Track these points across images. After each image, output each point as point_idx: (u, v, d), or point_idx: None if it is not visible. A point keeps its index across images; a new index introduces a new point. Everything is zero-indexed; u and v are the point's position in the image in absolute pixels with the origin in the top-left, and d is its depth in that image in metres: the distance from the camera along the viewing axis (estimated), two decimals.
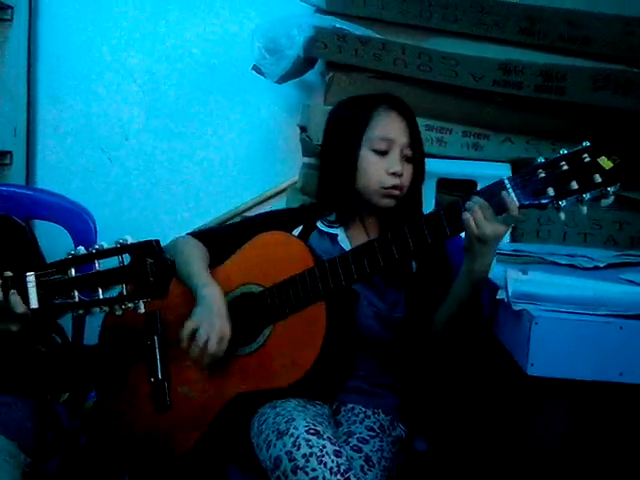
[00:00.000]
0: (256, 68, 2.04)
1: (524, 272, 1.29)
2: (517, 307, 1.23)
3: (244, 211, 2.32)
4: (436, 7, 1.99)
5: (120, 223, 2.27)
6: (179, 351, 1.39)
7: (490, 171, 1.86)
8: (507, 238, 1.85)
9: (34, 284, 1.12)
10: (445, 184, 1.96)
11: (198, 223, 2.31)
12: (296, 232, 1.55)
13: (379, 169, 1.46)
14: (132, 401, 1.49)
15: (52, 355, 1.40)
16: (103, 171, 2.40)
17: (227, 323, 1.36)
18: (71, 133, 2.40)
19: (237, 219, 2.28)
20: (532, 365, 1.16)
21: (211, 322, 1.35)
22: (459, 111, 1.98)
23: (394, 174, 1.45)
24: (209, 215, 2.34)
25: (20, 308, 1.13)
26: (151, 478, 1.51)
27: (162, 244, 2.31)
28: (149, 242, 1.08)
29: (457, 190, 1.96)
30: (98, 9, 2.35)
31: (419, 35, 2.01)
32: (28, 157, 2.36)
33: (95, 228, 1.70)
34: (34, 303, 1.12)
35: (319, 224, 1.55)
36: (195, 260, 1.48)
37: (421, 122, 1.57)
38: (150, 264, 1.07)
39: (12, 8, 2.29)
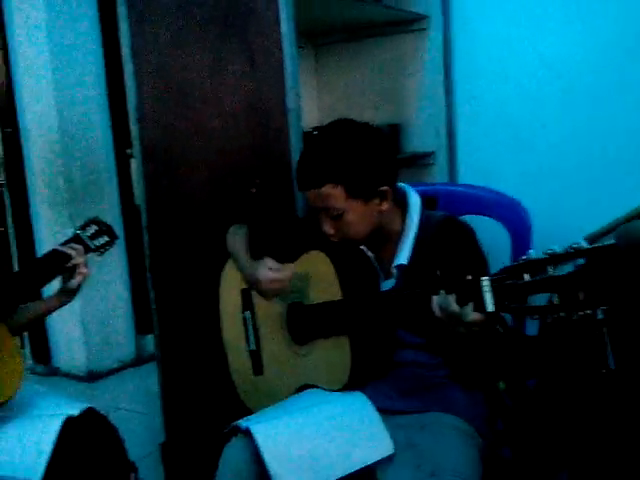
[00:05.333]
0: None
1: None
2: None
3: None
4: None
5: (543, 212, 2.22)
6: None
7: None
8: None
9: (489, 288, 1.17)
10: None
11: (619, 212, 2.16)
12: None
13: None
14: None
15: (499, 345, 1.45)
16: (521, 161, 2.41)
17: None
18: (488, 128, 2.46)
19: None
20: None
21: None
22: None
23: None
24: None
25: (470, 317, 1.20)
26: (591, 477, 1.47)
27: (571, 232, 2.23)
28: (609, 246, 1.02)
29: None
30: (508, 3, 2.36)
31: None
32: (450, 155, 2.50)
33: (530, 221, 1.71)
34: (490, 307, 1.18)
35: None
36: None
37: None
38: (609, 270, 1.02)
39: (428, 17, 2.45)
